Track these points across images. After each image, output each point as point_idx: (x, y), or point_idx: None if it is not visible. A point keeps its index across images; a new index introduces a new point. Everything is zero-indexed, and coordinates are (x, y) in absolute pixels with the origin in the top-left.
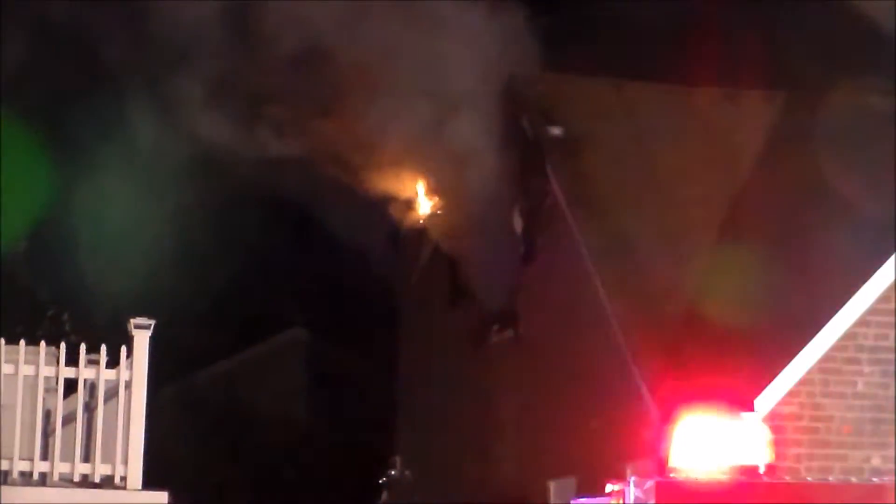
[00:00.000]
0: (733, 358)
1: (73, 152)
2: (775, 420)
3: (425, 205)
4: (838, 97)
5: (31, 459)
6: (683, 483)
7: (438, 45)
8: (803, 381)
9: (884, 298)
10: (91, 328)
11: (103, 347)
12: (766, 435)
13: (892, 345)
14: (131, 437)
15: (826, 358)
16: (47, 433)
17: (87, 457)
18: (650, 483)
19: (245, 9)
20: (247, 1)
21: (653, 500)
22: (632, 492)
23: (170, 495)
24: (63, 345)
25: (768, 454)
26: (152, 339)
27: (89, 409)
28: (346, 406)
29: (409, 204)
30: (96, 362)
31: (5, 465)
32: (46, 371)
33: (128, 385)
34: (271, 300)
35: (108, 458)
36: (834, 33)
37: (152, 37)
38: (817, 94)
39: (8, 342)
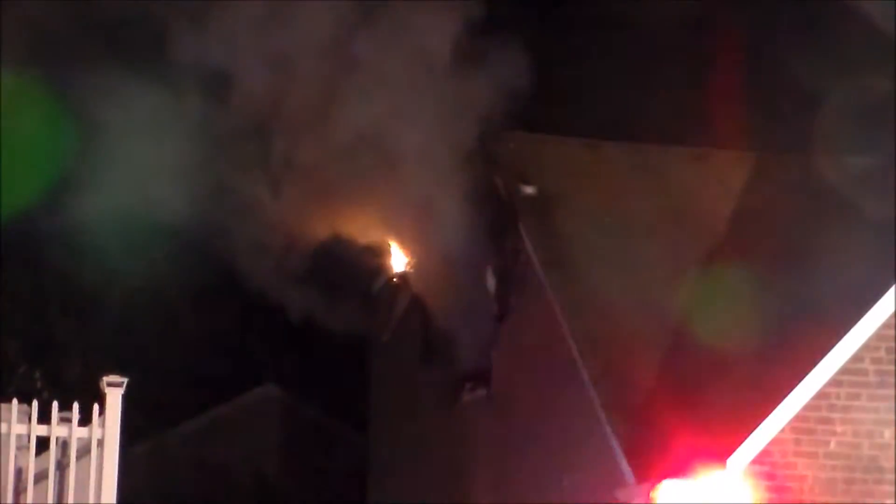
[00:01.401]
0: (707, 416)
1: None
2: (748, 479)
3: (398, 263)
4: (808, 158)
5: None
6: None
7: (412, 103)
8: (776, 441)
9: (856, 358)
10: (63, 385)
11: (75, 405)
12: (745, 493)
13: (865, 404)
14: (103, 495)
15: (798, 417)
16: (19, 491)
17: None
18: None
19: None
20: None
21: None
22: None
23: None
24: (35, 402)
25: None
26: (125, 396)
27: (61, 466)
28: (318, 463)
29: (382, 262)
30: (68, 420)
31: None
32: (18, 429)
33: (100, 443)
34: (243, 356)
35: None
36: (802, 95)
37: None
38: (787, 155)
39: None
